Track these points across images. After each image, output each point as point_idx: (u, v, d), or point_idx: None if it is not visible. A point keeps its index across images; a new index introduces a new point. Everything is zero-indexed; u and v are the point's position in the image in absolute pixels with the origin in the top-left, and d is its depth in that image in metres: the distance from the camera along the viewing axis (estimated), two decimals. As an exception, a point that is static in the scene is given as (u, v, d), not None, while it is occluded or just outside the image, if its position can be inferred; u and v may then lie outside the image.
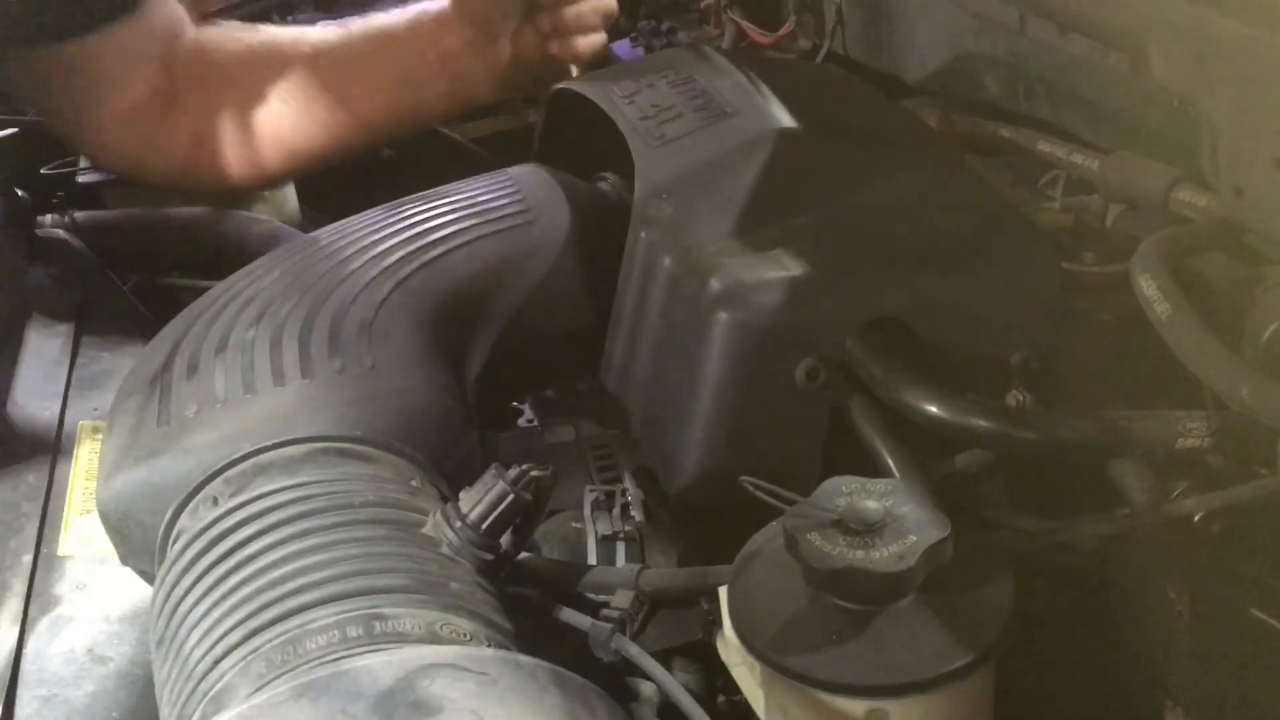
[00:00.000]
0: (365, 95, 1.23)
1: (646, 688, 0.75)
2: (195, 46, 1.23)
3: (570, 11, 1.25)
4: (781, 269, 0.82)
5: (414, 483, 0.76)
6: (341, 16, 1.74)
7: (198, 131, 1.22)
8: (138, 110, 1.20)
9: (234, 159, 1.21)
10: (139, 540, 0.79)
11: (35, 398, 1.03)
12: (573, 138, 1.10)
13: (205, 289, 0.97)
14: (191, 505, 0.75)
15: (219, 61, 1.23)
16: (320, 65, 1.23)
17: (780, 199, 0.89)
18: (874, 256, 0.85)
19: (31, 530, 0.90)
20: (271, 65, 1.23)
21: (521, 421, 1.09)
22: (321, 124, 1.21)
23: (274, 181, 1.36)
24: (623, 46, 1.58)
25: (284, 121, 1.21)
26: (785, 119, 0.94)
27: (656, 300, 0.87)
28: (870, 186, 0.90)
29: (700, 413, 0.82)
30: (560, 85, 1.11)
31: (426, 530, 0.71)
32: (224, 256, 1.30)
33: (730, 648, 0.72)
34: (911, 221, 0.88)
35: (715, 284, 0.82)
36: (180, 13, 1.23)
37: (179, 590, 0.69)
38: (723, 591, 0.70)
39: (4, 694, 0.78)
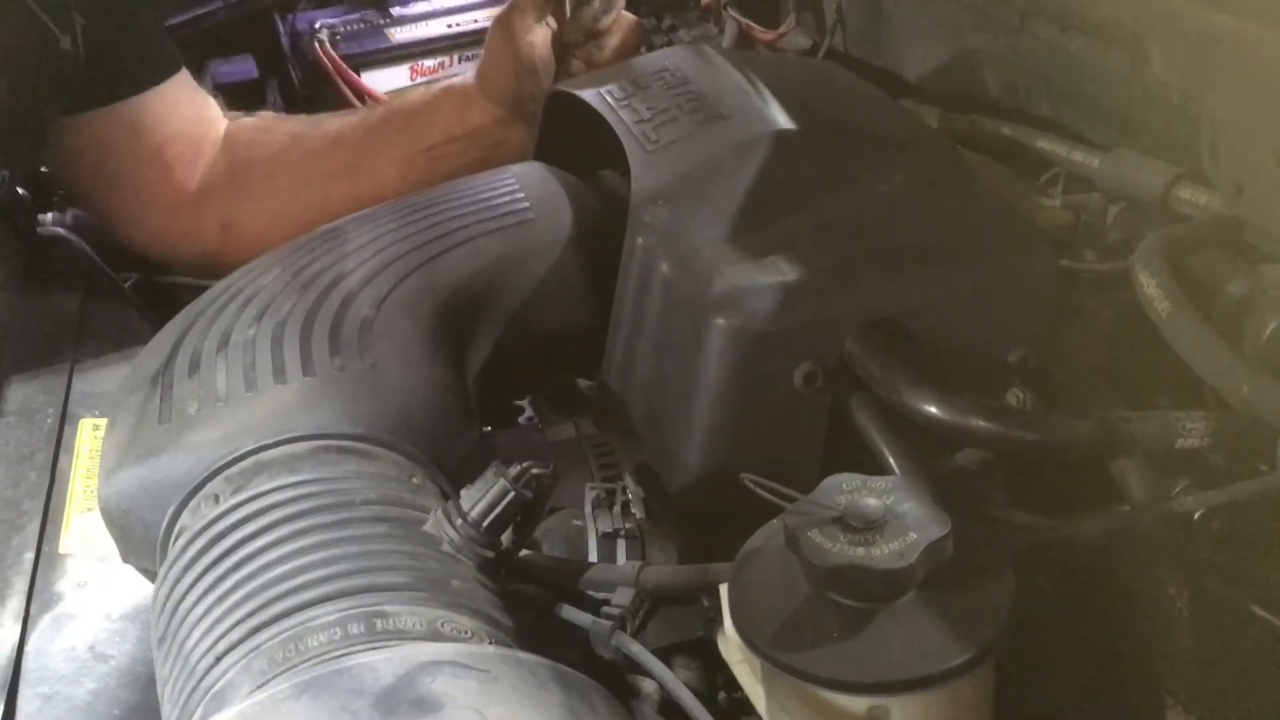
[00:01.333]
0: (391, 168, 1.28)
1: (647, 685, 0.75)
2: (226, 138, 1.32)
3: (602, 56, 1.28)
4: (778, 273, 0.82)
5: (415, 480, 0.76)
6: (340, 12, 1.77)
7: (226, 220, 1.30)
8: (169, 198, 1.28)
9: (259, 245, 1.24)
10: (140, 538, 0.79)
11: (36, 395, 1.03)
12: (571, 137, 1.09)
13: (206, 287, 0.97)
14: (193, 503, 0.75)
15: (247, 151, 1.31)
16: (344, 147, 1.30)
17: (776, 201, 0.89)
18: (871, 258, 0.85)
19: (33, 528, 0.90)
20: (296, 152, 1.31)
21: (522, 419, 1.09)
22: (347, 204, 1.23)
23: None
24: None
25: (311, 208, 1.25)
26: (782, 120, 0.93)
27: (654, 305, 0.87)
28: (867, 187, 0.90)
29: (699, 416, 0.82)
30: (557, 86, 1.12)
31: (428, 528, 0.71)
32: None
33: (731, 645, 0.72)
34: (909, 221, 0.88)
35: (712, 289, 0.81)
36: (213, 105, 1.34)
37: (180, 588, 0.69)
38: (723, 589, 0.70)
39: (5, 692, 0.78)
